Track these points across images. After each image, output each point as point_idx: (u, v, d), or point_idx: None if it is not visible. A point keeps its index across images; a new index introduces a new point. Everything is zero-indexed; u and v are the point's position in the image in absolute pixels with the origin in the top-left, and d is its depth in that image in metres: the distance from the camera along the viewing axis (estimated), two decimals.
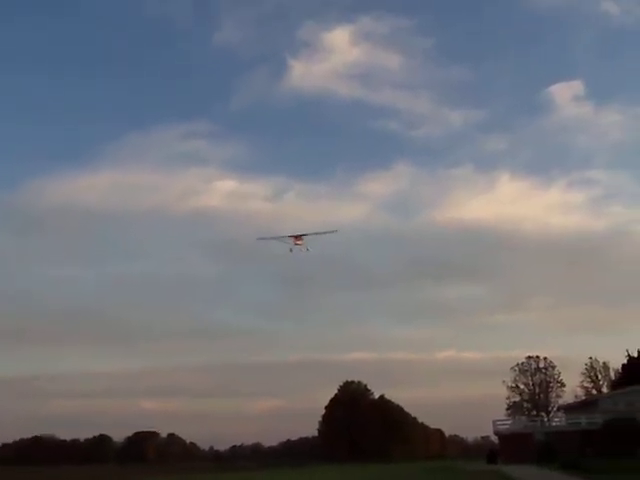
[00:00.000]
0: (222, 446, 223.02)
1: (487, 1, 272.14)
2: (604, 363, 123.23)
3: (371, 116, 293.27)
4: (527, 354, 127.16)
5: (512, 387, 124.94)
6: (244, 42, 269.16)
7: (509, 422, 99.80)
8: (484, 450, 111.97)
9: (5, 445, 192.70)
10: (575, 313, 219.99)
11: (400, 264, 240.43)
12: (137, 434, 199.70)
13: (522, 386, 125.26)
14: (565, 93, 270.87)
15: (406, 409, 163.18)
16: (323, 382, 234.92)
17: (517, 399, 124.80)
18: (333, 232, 58.46)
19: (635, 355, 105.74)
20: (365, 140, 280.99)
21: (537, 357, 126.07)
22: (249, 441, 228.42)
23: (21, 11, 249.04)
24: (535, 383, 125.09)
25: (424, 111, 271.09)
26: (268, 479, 78.46)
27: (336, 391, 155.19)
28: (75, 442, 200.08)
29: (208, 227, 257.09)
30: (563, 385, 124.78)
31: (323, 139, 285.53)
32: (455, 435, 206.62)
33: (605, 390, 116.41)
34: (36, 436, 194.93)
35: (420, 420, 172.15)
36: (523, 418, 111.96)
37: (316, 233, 57.49)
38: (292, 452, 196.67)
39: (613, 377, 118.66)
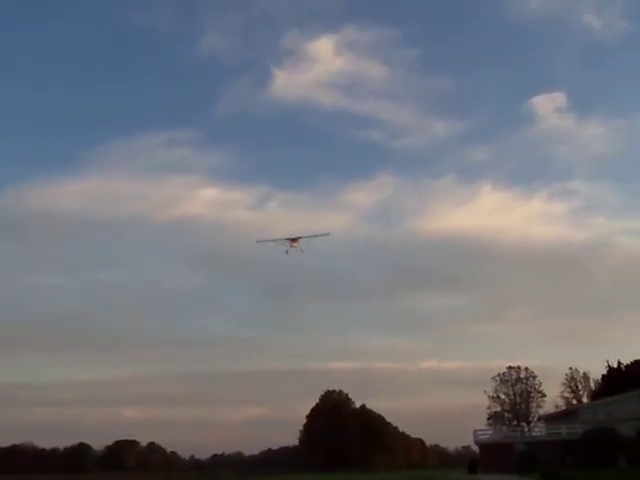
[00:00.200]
0: (203, 455, 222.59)
1: (471, 13, 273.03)
2: (584, 373, 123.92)
3: (355, 126, 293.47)
4: (508, 364, 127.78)
5: (493, 397, 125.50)
6: (229, 50, 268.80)
7: (490, 432, 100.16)
8: (465, 460, 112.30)
9: None
10: (556, 324, 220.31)
11: (382, 274, 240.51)
12: (117, 443, 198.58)
13: (503, 396, 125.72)
14: (547, 105, 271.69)
15: (387, 419, 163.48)
16: (305, 391, 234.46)
17: (498, 409, 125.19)
18: (326, 235, 61.65)
19: (615, 366, 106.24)
20: (349, 150, 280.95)
21: (518, 367, 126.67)
22: (230, 450, 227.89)
23: (5, 18, 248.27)
24: (516, 393, 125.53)
25: (407, 121, 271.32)
26: None
27: (317, 400, 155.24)
28: (54, 451, 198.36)
29: (191, 235, 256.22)
30: (544, 395, 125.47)
31: (307, 148, 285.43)
32: (436, 445, 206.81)
33: (585, 400, 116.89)
34: (14, 444, 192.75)
35: (401, 430, 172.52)
36: (504, 428, 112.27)
37: (309, 236, 60.12)
38: (273, 461, 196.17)
39: (593, 387, 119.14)
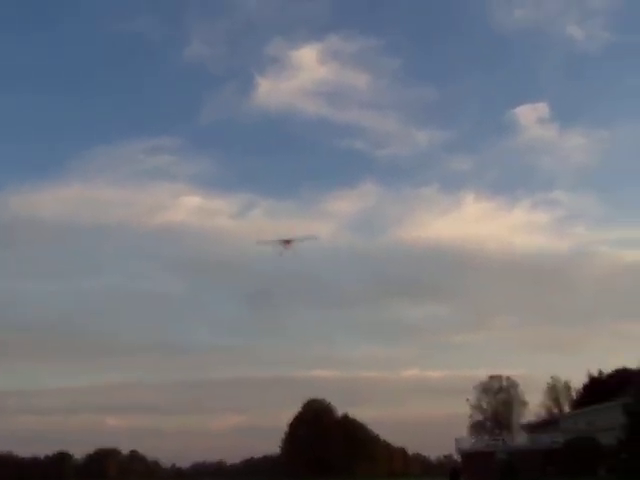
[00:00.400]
0: (184, 463, 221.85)
1: (455, 23, 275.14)
2: (566, 383, 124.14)
3: (338, 134, 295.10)
4: (490, 373, 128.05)
5: (475, 406, 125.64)
6: (213, 58, 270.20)
7: (472, 441, 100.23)
8: (447, 468, 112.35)
9: None
10: (538, 333, 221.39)
11: (366, 282, 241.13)
12: (98, 451, 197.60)
13: (485, 405, 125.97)
14: (530, 115, 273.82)
15: (370, 427, 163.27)
16: (287, 399, 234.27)
17: (480, 418, 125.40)
18: (313, 239, 66.43)
19: (596, 375, 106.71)
20: (332, 158, 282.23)
21: (500, 376, 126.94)
22: (212, 458, 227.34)
23: None
24: (498, 402, 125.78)
25: (391, 130, 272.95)
26: None
27: (300, 409, 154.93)
28: (34, 459, 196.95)
29: (175, 243, 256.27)
30: (525, 404, 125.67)
31: (290, 156, 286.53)
32: (418, 453, 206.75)
33: (567, 409, 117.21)
34: None
35: (383, 438, 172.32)
36: (485, 437, 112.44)
37: (300, 239, 65.34)
38: (255, 470, 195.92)
39: (574, 396, 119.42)
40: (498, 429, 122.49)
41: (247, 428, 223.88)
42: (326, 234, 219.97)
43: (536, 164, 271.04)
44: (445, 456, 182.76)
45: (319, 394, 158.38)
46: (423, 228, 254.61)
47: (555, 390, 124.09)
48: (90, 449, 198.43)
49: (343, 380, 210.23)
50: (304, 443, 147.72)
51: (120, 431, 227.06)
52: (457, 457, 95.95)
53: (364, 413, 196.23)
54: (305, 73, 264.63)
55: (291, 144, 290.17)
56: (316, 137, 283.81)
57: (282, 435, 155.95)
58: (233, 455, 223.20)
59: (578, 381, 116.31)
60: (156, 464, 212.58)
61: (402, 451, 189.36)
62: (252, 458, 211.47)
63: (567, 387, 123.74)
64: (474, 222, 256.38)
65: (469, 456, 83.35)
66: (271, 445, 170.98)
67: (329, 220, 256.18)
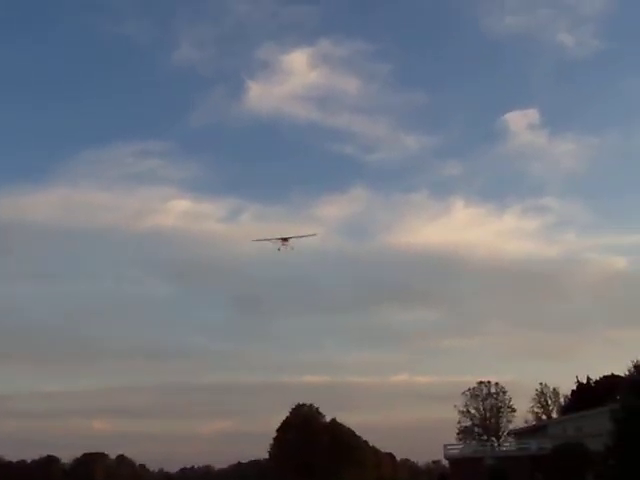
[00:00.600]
0: (172, 468, 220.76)
1: (446, 28, 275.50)
2: (554, 389, 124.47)
3: (328, 139, 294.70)
4: (479, 379, 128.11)
5: (463, 412, 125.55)
6: (203, 62, 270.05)
7: (460, 446, 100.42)
8: (435, 474, 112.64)
9: None
10: (527, 339, 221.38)
11: (354, 288, 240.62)
12: (86, 455, 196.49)
13: (473, 411, 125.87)
14: (520, 121, 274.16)
15: (358, 432, 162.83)
16: (275, 404, 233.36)
17: (468, 424, 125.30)
18: (312, 235, 68.95)
19: (584, 381, 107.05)
20: (322, 163, 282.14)
21: (488, 382, 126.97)
22: (200, 463, 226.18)
23: None
24: (486, 408, 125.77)
25: (381, 135, 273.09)
26: None
27: (288, 414, 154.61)
28: (21, 463, 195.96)
29: (163, 247, 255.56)
30: (514, 410, 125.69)
31: (280, 161, 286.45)
32: (406, 459, 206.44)
33: (555, 415, 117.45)
34: None
35: (372, 444, 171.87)
36: (474, 443, 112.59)
37: (297, 237, 68.14)
38: (243, 474, 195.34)
39: (563, 403, 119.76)
40: (486, 435, 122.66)
41: (235, 433, 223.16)
42: (315, 239, 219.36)
43: (526, 170, 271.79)
44: (433, 462, 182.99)
45: (308, 399, 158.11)
46: (413, 233, 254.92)
47: (543, 396, 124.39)
48: (78, 453, 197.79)
49: (332, 385, 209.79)
50: (292, 448, 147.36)
51: (108, 435, 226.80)
52: (445, 463, 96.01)
53: (352, 418, 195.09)
54: (295, 78, 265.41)
55: (281, 148, 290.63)
56: (306, 142, 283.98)
57: (270, 440, 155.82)
58: (221, 460, 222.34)
59: (566, 387, 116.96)
60: (144, 468, 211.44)
61: (390, 456, 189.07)
62: (240, 463, 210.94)
63: (555, 393, 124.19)
64: (464, 228, 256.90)
65: (457, 462, 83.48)
66: (259, 450, 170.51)
67: (318, 225, 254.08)
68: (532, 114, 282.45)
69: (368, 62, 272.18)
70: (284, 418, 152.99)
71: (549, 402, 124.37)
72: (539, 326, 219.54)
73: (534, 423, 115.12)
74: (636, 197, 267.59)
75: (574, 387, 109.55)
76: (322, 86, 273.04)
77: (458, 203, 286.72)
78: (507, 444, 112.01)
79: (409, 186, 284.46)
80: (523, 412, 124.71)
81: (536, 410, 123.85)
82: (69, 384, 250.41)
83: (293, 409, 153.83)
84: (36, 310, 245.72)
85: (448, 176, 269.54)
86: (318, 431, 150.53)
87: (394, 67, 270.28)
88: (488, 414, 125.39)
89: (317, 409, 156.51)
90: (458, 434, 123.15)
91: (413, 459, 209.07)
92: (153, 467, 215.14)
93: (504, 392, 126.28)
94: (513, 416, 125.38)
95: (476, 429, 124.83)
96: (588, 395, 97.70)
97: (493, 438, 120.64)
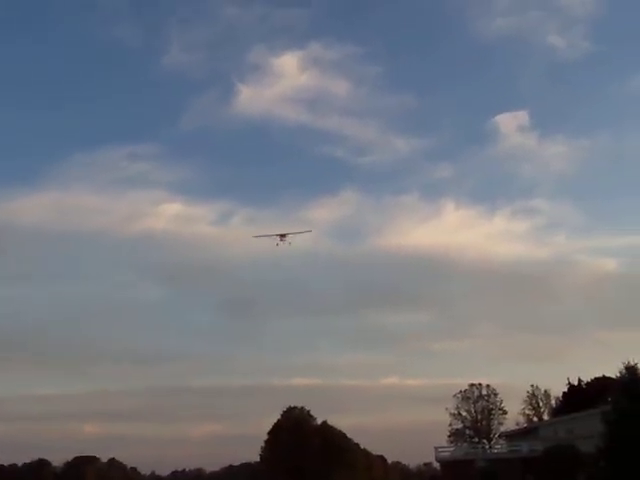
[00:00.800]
0: (164, 471, 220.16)
1: (435, 30, 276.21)
2: (545, 391, 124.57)
3: (319, 142, 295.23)
4: (470, 381, 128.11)
5: (454, 414, 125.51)
6: (194, 65, 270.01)
7: (451, 449, 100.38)
8: (426, 477, 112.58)
9: None
10: (518, 341, 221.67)
11: (345, 290, 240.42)
12: (77, 458, 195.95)
13: (464, 413, 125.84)
14: (510, 123, 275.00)
15: (349, 435, 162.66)
16: (266, 407, 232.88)
17: (459, 426, 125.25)
18: (308, 232, 74.01)
19: (576, 383, 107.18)
20: (312, 166, 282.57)
21: (479, 384, 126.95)
22: (191, 466, 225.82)
23: None
24: (477, 410, 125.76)
25: (371, 138, 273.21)
26: None
27: (279, 416, 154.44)
28: (13, 467, 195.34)
29: (153, 250, 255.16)
30: (505, 412, 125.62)
31: (270, 164, 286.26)
32: (398, 462, 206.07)
33: (546, 417, 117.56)
34: None
35: (363, 446, 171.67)
36: (465, 445, 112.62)
37: (294, 233, 73.84)
38: (235, 477, 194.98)
39: (554, 405, 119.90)
40: (477, 437, 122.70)
41: (227, 436, 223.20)
42: (306, 241, 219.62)
43: (516, 172, 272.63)
44: (425, 464, 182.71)
45: (299, 402, 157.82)
46: (403, 236, 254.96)
47: (535, 398, 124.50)
48: (69, 456, 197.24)
49: (323, 388, 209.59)
50: (284, 451, 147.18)
51: (99, 438, 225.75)
52: (437, 465, 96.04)
53: (344, 421, 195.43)
54: (286, 80, 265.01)
55: (272, 151, 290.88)
56: (297, 144, 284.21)
57: (262, 443, 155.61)
58: (213, 463, 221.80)
59: (558, 389, 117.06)
60: (135, 472, 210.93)
61: (382, 459, 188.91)
62: (232, 466, 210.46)
63: (547, 395, 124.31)
64: (454, 230, 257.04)
65: (449, 464, 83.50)
66: (251, 453, 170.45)
67: (309, 227, 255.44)
68: (522, 116, 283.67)
69: (358, 65, 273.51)
70: (275, 421, 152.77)
71: (540, 404, 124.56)
72: (530, 328, 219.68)
73: (525, 425, 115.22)
74: (626, 199, 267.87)
75: (565, 389, 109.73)
76: (312, 89, 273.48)
77: (448, 205, 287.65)
78: (498, 446, 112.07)
79: (399, 188, 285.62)
80: (514, 414, 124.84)
81: (527, 412, 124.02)
82: (60, 387, 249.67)
83: (284, 412, 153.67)
84: (27, 313, 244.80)
85: (438, 178, 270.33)
86: (309, 434, 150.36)
87: (384, 70, 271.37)
88: (479, 416, 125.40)
89: (308, 412, 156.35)
90: (449, 436, 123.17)
91: (404, 462, 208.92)
92: (144, 470, 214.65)
93: (495, 394, 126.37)
94: (504, 418, 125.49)
95: (467, 431, 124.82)
96: (579, 397, 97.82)
97: (484, 440, 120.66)
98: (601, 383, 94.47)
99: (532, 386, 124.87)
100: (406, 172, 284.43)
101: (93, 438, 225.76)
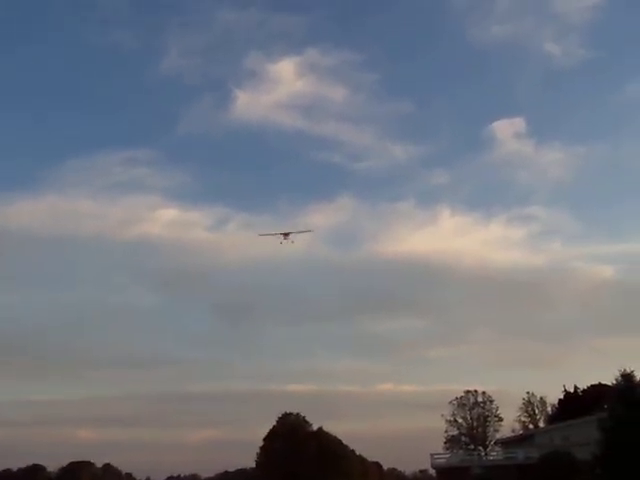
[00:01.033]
0: (158, 477, 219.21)
1: (432, 37, 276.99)
2: (541, 398, 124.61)
3: (315, 148, 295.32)
4: (466, 388, 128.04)
5: (450, 421, 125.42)
6: (190, 70, 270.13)
7: (447, 456, 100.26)
8: None
9: None
10: (513, 348, 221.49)
11: (341, 296, 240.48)
12: (72, 464, 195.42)
13: (460, 420, 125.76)
14: (507, 130, 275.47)
15: (345, 441, 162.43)
16: (262, 413, 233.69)
17: (455, 433, 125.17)
18: (309, 232, 77.77)
19: (572, 390, 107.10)
20: (309, 172, 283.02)
21: (475, 391, 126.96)
22: (186, 472, 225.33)
23: None
24: (473, 417, 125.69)
25: (368, 144, 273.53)
26: None
27: (275, 423, 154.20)
28: (7, 472, 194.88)
29: (149, 256, 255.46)
30: (501, 419, 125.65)
31: (267, 169, 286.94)
32: (393, 468, 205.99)
33: (542, 425, 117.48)
34: None
35: (358, 453, 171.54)
36: (461, 452, 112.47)
37: (296, 232, 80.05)
38: None
39: (550, 412, 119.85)
40: (473, 444, 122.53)
41: (222, 441, 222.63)
42: (301, 247, 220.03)
43: (512, 179, 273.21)
44: (420, 471, 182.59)
45: (295, 408, 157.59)
46: (399, 242, 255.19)
47: (531, 405, 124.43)
48: (64, 462, 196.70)
49: (318, 394, 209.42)
50: (279, 457, 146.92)
51: (94, 444, 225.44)
52: (432, 472, 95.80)
53: (339, 427, 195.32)
54: (283, 86, 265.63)
55: (268, 157, 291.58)
56: (293, 150, 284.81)
57: (257, 449, 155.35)
58: (208, 468, 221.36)
59: (554, 396, 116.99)
60: (130, 477, 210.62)
61: (377, 466, 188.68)
62: (227, 472, 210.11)
63: (543, 402, 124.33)
64: (450, 237, 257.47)
65: (444, 471, 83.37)
66: (246, 459, 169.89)
67: (305, 233, 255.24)
68: (519, 123, 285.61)
69: (355, 71, 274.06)
70: (271, 427, 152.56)
71: (536, 411, 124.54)
72: (526, 335, 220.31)
73: (521, 432, 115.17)
74: (623, 206, 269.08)
75: (561, 396, 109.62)
76: (309, 95, 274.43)
77: (445, 212, 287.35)
78: (494, 453, 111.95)
79: (396, 195, 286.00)
80: (510, 421, 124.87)
81: (523, 419, 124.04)
82: (55, 393, 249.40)
83: (280, 418, 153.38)
84: (22, 318, 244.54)
85: (435, 185, 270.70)
86: (305, 440, 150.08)
87: (381, 76, 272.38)
88: (475, 423, 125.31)
89: (304, 418, 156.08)
90: (445, 443, 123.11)
91: (400, 468, 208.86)
92: (139, 476, 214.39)
93: (491, 401, 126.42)
94: (500, 425, 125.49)
95: (463, 438, 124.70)
96: (575, 404, 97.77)
97: (480, 447, 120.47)
98: (597, 390, 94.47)
99: (528, 393, 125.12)
100: (402, 178, 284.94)
101: (88, 443, 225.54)
